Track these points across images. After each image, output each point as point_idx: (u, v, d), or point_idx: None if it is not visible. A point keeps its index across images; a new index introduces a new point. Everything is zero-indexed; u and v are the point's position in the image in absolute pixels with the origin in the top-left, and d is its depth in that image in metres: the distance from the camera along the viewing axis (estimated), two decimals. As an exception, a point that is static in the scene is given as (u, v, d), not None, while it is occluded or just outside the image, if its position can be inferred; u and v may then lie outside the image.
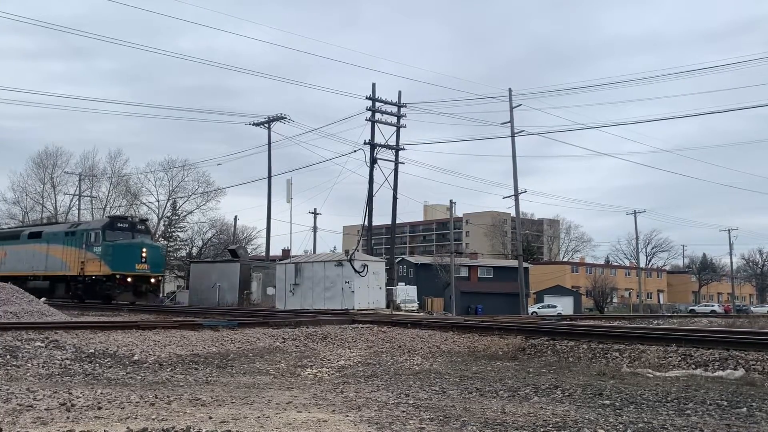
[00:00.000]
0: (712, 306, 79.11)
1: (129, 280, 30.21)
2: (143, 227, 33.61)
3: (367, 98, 40.25)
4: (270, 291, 36.26)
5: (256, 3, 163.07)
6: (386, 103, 40.70)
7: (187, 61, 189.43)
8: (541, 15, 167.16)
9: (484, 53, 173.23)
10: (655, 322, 27.86)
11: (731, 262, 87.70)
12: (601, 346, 12.26)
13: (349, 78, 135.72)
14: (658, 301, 68.94)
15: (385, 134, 40.51)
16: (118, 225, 32.04)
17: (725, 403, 7.18)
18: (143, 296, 30.76)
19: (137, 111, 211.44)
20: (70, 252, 32.03)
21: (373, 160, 39.85)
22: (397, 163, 40.68)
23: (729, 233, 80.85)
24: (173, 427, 5.03)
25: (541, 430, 5.49)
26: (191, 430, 4.98)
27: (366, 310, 29.50)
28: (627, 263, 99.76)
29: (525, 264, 52.50)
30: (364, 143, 39.93)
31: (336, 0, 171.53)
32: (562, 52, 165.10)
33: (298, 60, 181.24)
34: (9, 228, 48.57)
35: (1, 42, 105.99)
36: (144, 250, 30.81)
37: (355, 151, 40.17)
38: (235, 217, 66.51)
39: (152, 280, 31.46)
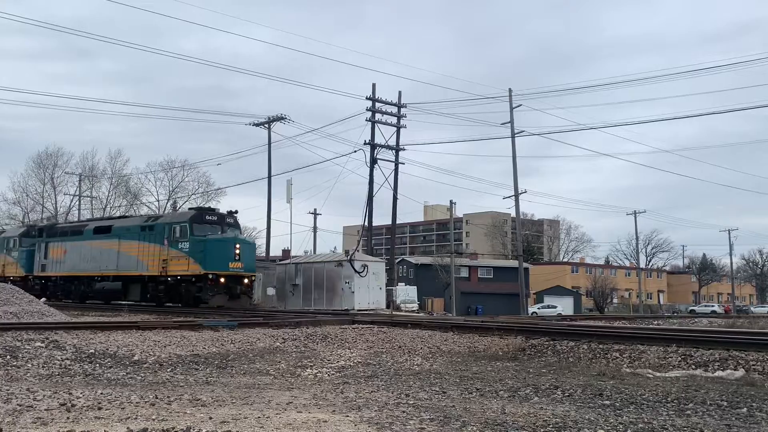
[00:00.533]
0: (712, 306, 79.00)
1: (222, 280, 26.34)
2: (232, 220, 29.07)
3: (367, 98, 40.22)
4: (270, 291, 36.20)
5: (258, 4, 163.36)
6: (386, 103, 40.68)
7: (188, 62, 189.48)
8: (541, 15, 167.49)
9: (485, 53, 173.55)
10: (655, 322, 27.86)
11: (731, 263, 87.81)
12: (601, 346, 12.26)
13: (351, 79, 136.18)
14: (658, 302, 68.97)
15: (385, 134, 40.52)
16: (207, 218, 28.06)
17: (725, 403, 7.19)
18: (237, 299, 26.95)
19: (137, 111, 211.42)
20: (149, 249, 28.08)
21: (373, 161, 39.83)
22: (397, 163, 40.68)
23: (729, 234, 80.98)
24: (173, 428, 5.03)
25: (541, 430, 5.49)
26: (191, 430, 4.99)
27: (366, 310, 29.50)
28: (627, 263, 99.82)
29: (525, 264, 52.50)
30: (365, 143, 39.91)
31: (338, 1, 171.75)
32: (562, 53, 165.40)
33: (299, 61, 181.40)
34: (69, 222, 43.92)
35: (3, 42, 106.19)
36: (237, 246, 26.91)
37: (355, 152, 40.14)
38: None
39: (246, 281, 27.41)
